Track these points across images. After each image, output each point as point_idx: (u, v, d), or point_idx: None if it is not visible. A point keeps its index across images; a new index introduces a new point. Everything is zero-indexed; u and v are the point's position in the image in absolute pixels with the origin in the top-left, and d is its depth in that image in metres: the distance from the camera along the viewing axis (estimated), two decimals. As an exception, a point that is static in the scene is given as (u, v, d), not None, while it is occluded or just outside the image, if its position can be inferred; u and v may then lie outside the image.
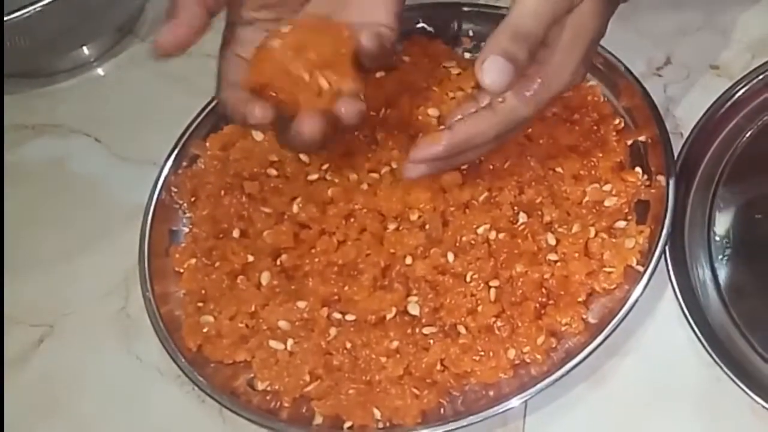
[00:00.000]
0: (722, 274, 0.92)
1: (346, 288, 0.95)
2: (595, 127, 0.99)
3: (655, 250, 0.91)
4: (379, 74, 1.05)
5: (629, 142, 1.00)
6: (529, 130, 0.99)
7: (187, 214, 1.05)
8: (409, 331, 0.92)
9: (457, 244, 0.95)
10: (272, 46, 0.83)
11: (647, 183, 0.97)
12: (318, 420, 0.91)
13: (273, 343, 0.94)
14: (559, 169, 0.98)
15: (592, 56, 0.86)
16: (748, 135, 0.99)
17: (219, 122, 1.08)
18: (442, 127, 0.89)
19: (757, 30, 1.07)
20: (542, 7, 0.80)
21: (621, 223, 0.95)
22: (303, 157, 1.02)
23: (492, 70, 0.78)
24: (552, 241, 0.94)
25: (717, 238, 0.94)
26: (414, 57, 1.08)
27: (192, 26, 0.82)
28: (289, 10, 0.90)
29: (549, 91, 0.84)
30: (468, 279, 0.93)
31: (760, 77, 1.01)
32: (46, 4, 1.08)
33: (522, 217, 0.96)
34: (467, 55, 1.09)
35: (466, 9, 1.10)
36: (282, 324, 0.95)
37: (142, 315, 0.99)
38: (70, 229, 1.12)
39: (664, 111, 1.01)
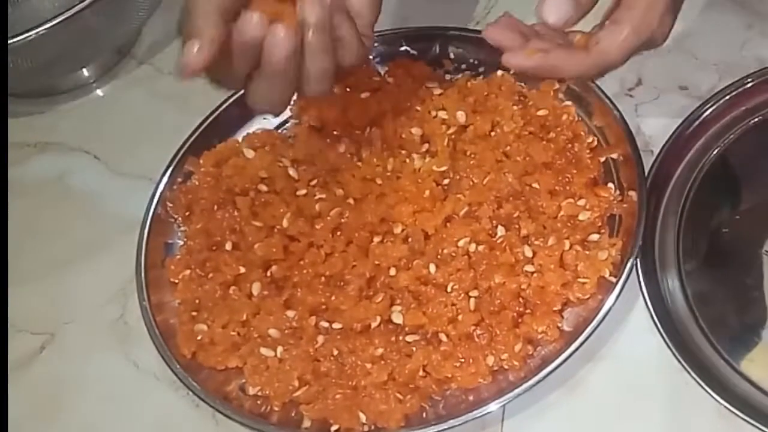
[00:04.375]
0: (691, 284, 0.92)
1: (333, 298, 0.95)
2: (570, 145, 1.00)
3: (626, 262, 0.91)
4: (364, 94, 1.06)
5: (602, 159, 1.00)
6: (508, 147, 1.00)
7: (182, 228, 1.06)
8: (393, 338, 0.93)
9: (439, 256, 0.96)
10: None
11: (619, 198, 0.97)
12: (306, 423, 0.91)
13: (263, 350, 0.94)
14: (535, 185, 0.98)
15: (678, 5, 0.86)
16: (715, 153, 0.99)
17: (212, 140, 1.08)
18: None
19: (724, 53, 1.07)
20: None
21: (594, 236, 0.95)
22: (292, 173, 1.02)
23: (552, 5, 0.82)
24: (529, 254, 0.94)
25: (686, 251, 0.95)
26: (398, 78, 1.08)
27: (213, 41, 0.80)
28: None
29: (639, 38, 0.84)
30: (449, 289, 0.94)
31: (727, 98, 1.01)
32: (48, 28, 1.08)
33: (500, 231, 0.96)
34: (448, 77, 1.09)
35: (447, 33, 1.10)
36: (272, 332, 0.95)
37: (139, 323, 0.99)
38: (70, 242, 1.12)
39: (635, 129, 1.01)
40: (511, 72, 1.04)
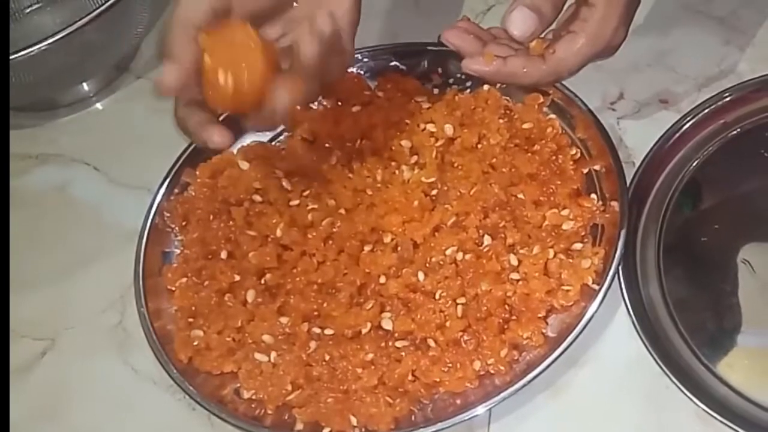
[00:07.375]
0: (671, 291, 0.93)
1: (325, 305, 0.96)
2: (554, 157, 1.00)
3: (609, 270, 0.92)
4: (355, 108, 1.06)
5: (585, 171, 1.00)
6: (494, 159, 1.01)
7: (179, 237, 1.06)
8: (382, 344, 0.93)
9: (427, 265, 0.96)
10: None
11: (602, 208, 0.97)
12: (299, 426, 0.92)
13: (258, 356, 0.94)
14: (520, 196, 0.98)
15: (631, 15, 0.88)
16: (694, 164, 1.00)
17: (208, 152, 1.08)
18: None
19: (703, 67, 1.08)
20: None
21: (578, 245, 0.96)
22: (285, 184, 1.03)
23: (518, 19, 0.83)
24: (514, 262, 0.95)
25: (666, 259, 0.95)
26: (387, 92, 1.08)
27: (188, 65, 0.82)
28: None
29: (593, 48, 0.86)
30: (437, 296, 0.94)
31: (706, 111, 1.02)
32: (49, 44, 1.09)
33: (487, 240, 0.96)
34: (436, 91, 1.10)
35: (435, 49, 1.10)
36: (266, 338, 0.95)
37: (137, 329, 0.99)
38: (71, 251, 1.12)
39: (617, 142, 1.01)
40: (497, 86, 1.05)
